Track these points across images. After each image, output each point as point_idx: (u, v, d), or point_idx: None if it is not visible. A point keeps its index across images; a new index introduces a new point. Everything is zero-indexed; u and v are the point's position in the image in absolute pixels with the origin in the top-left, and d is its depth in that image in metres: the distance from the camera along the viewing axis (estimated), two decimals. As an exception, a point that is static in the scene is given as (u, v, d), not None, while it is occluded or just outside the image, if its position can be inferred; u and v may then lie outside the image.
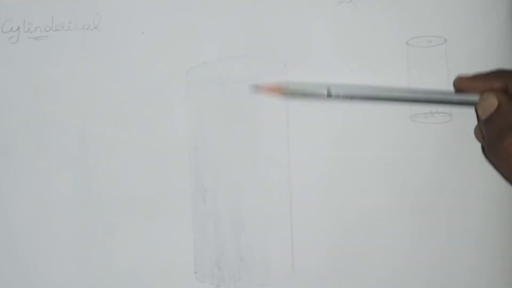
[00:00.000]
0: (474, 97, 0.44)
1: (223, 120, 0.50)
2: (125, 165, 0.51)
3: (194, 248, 0.50)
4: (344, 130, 0.50)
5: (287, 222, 0.50)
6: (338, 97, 0.44)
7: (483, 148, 0.48)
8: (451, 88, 0.49)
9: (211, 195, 0.50)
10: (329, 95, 0.44)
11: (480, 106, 0.42)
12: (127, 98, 0.51)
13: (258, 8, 0.50)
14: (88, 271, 0.51)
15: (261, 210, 0.50)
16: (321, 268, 0.50)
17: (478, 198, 0.50)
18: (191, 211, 0.50)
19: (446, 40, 0.50)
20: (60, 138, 0.51)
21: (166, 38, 0.51)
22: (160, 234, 0.50)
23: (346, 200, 0.50)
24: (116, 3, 0.51)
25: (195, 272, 0.50)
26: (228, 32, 0.50)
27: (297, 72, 0.50)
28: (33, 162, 0.51)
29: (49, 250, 0.51)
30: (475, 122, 0.49)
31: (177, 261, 0.50)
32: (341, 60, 0.50)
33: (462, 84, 0.44)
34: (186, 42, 0.50)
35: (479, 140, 0.47)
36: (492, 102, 0.41)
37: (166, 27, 0.51)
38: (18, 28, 0.51)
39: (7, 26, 0.51)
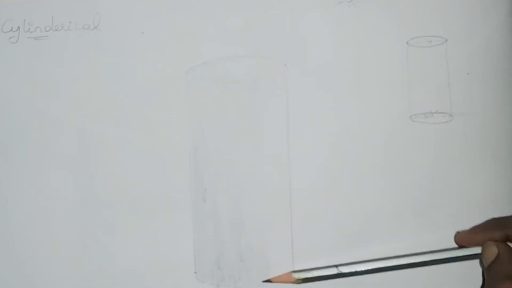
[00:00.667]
0: (477, 250, 0.45)
1: (223, 120, 0.50)
2: (125, 165, 0.51)
3: (194, 248, 0.50)
4: (344, 130, 0.50)
5: (287, 222, 0.50)
6: (349, 274, 0.45)
7: None
8: (451, 88, 0.49)
9: (211, 195, 0.50)
10: (339, 275, 0.44)
11: (483, 255, 0.43)
12: (127, 98, 0.51)
13: (258, 8, 0.50)
14: (88, 271, 0.51)
15: (261, 210, 0.50)
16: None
17: (478, 198, 0.50)
18: (191, 211, 0.50)
19: (446, 40, 0.50)
20: (60, 138, 0.51)
21: (166, 38, 0.51)
22: (160, 234, 0.50)
23: (346, 200, 0.50)
24: (116, 3, 0.51)
25: (195, 272, 0.50)
26: (228, 32, 0.50)
27: (297, 72, 0.50)
28: (33, 162, 0.51)
29: (49, 250, 0.51)
30: (476, 122, 0.49)
31: (177, 261, 0.50)
32: (341, 60, 0.50)
33: (463, 240, 0.45)
34: (186, 42, 0.50)
35: None
36: (492, 251, 0.43)
37: (166, 27, 0.51)
38: (18, 28, 0.51)
39: (7, 26, 0.51)
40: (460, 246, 0.45)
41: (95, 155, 0.51)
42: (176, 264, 0.50)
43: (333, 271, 0.44)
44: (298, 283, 0.44)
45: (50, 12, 0.51)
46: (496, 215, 0.50)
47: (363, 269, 0.45)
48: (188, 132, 0.50)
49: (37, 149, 0.51)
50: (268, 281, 0.45)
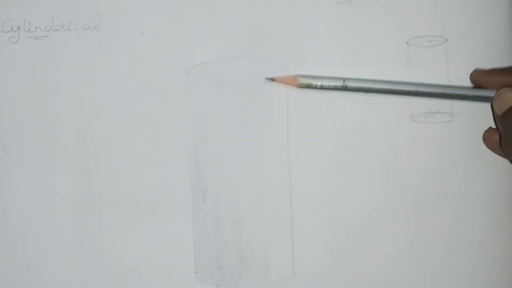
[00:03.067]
0: (490, 93, 0.43)
1: (223, 120, 0.50)
2: (125, 165, 0.51)
3: (194, 248, 0.50)
4: (344, 130, 0.50)
5: (287, 222, 0.50)
6: (354, 89, 0.44)
7: (500, 143, 0.47)
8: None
9: (211, 195, 0.50)
10: (344, 87, 0.43)
11: (496, 101, 0.41)
12: (127, 98, 0.51)
13: (258, 8, 0.50)
14: (88, 271, 0.51)
15: (261, 210, 0.50)
16: (322, 268, 0.50)
17: (478, 198, 0.50)
18: (191, 211, 0.50)
19: (446, 40, 0.50)
20: (60, 138, 0.51)
21: (166, 38, 0.51)
22: (160, 234, 0.50)
23: (346, 200, 0.50)
24: (116, 3, 0.51)
25: (195, 272, 0.50)
26: (228, 32, 0.50)
27: (297, 72, 0.50)
28: (33, 162, 0.51)
29: (49, 250, 0.51)
30: (476, 122, 0.49)
31: (177, 261, 0.50)
32: (341, 60, 0.50)
33: (479, 78, 0.43)
34: (186, 42, 0.50)
35: (487, 146, 0.46)
36: (508, 97, 0.40)
37: (166, 27, 0.51)
38: (18, 28, 0.51)
39: (7, 26, 0.51)
40: (475, 85, 0.43)
41: (95, 155, 0.51)
42: (176, 264, 0.50)
43: (339, 82, 0.43)
44: (301, 87, 0.43)
45: (50, 12, 0.51)
46: (496, 215, 0.50)
47: (369, 86, 0.44)
48: (188, 132, 0.50)
49: (37, 149, 0.51)
50: (272, 79, 0.44)
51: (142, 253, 0.51)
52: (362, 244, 0.50)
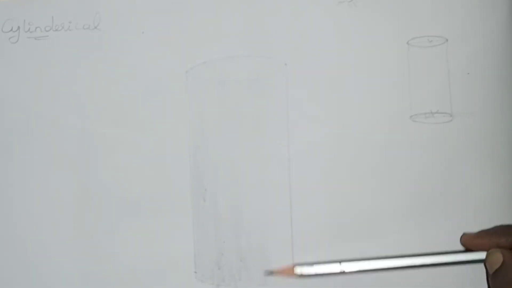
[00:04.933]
0: (481, 255, 0.45)
1: (223, 120, 0.50)
2: (125, 165, 0.51)
3: (194, 248, 0.50)
4: (344, 130, 0.50)
5: (287, 222, 0.50)
6: (352, 272, 0.44)
7: None
8: (452, 88, 0.49)
9: (211, 195, 0.50)
10: (342, 272, 0.44)
11: (487, 261, 0.43)
12: (127, 98, 0.51)
13: (258, 8, 0.50)
14: (88, 271, 0.51)
15: (261, 210, 0.50)
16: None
17: (478, 198, 0.50)
18: (191, 211, 0.50)
19: (447, 40, 0.50)
20: (60, 138, 0.51)
21: (166, 38, 0.51)
22: (160, 234, 0.50)
23: (346, 200, 0.50)
24: (116, 3, 0.51)
25: (195, 272, 0.50)
26: (228, 32, 0.50)
27: (297, 72, 0.50)
28: (33, 161, 0.51)
29: (49, 250, 0.51)
30: (476, 122, 0.49)
31: (177, 261, 0.50)
32: (342, 60, 0.50)
33: (469, 242, 0.45)
34: (186, 42, 0.50)
35: None
36: (497, 258, 0.43)
37: (166, 27, 0.51)
38: (18, 28, 0.51)
39: (7, 26, 0.51)
40: (465, 248, 0.44)
41: (95, 155, 0.51)
42: (176, 264, 0.50)
43: (336, 268, 0.44)
44: (300, 278, 0.43)
45: (50, 12, 0.51)
46: (496, 215, 0.50)
47: (366, 268, 0.45)
48: (188, 132, 0.50)
49: (37, 149, 0.51)
50: (270, 273, 0.45)
51: (142, 253, 0.51)
52: (362, 244, 0.50)
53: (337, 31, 0.50)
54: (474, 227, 0.50)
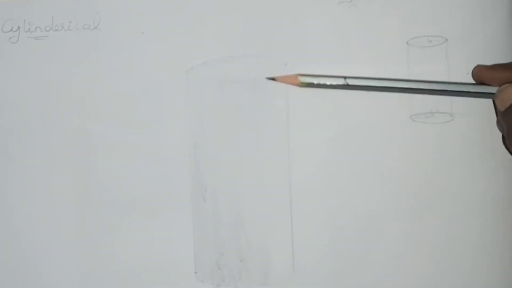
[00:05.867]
0: (492, 89, 0.43)
1: (223, 120, 0.50)
2: (125, 165, 0.51)
3: (194, 248, 0.50)
4: (344, 130, 0.50)
5: (287, 222, 0.50)
6: (356, 87, 0.43)
7: (503, 138, 0.47)
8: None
9: (211, 195, 0.50)
10: (346, 85, 0.43)
11: (498, 97, 0.41)
12: (127, 98, 0.51)
13: (258, 8, 0.50)
14: (89, 271, 0.51)
15: (261, 210, 0.50)
16: (322, 268, 0.50)
17: (478, 198, 0.50)
18: (191, 211, 0.50)
19: (446, 39, 0.50)
20: (60, 138, 0.51)
21: (166, 38, 0.51)
22: (160, 234, 0.50)
23: (346, 200, 0.50)
24: (116, 3, 0.51)
25: (195, 272, 0.50)
26: (228, 32, 0.50)
27: (297, 72, 0.50)
28: (33, 161, 0.51)
29: (49, 250, 0.51)
30: (476, 122, 0.49)
31: (177, 261, 0.50)
32: (342, 60, 0.50)
33: (481, 74, 0.43)
34: (186, 42, 0.50)
35: (501, 131, 0.46)
36: (510, 93, 0.40)
37: (166, 27, 0.51)
38: (18, 28, 0.51)
39: (7, 26, 0.51)
40: (477, 80, 0.43)
41: (95, 155, 0.51)
42: (176, 264, 0.50)
43: (341, 81, 0.42)
44: (302, 86, 0.42)
45: (50, 12, 0.51)
46: (496, 215, 0.50)
47: (371, 84, 0.43)
48: (188, 131, 0.50)
49: (37, 149, 0.51)
50: (273, 79, 0.44)
51: (142, 253, 0.51)
52: (362, 244, 0.50)
53: (337, 31, 0.50)
54: (474, 227, 0.50)
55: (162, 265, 0.50)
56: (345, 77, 0.43)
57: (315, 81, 0.43)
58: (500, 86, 0.41)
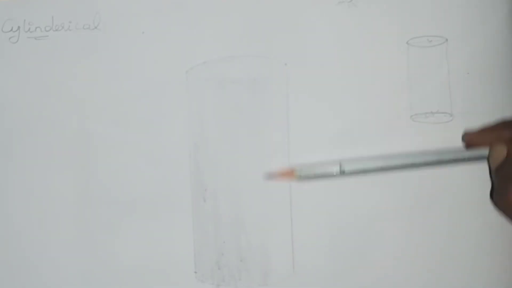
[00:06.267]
0: (484, 151, 0.44)
1: (223, 120, 0.50)
2: (125, 165, 0.51)
3: (194, 248, 0.50)
4: (344, 130, 0.50)
5: (287, 222, 0.50)
6: (351, 173, 0.44)
7: (491, 194, 0.48)
8: (452, 88, 0.49)
9: (211, 195, 0.50)
10: (342, 172, 0.44)
11: (491, 156, 0.42)
12: (127, 98, 0.51)
13: (258, 8, 0.50)
14: (88, 271, 0.51)
15: (261, 210, 0.50)
16: (322, 268, 0.50)
17: (478, 198, 0.50)
18: (191, 211, 0.50)
19: (446, 39, 0.50)
20: (60, 138, 0.51)
21: (166, 38, 0.51)
22: (160, 234, 0.50)
23: (346, 200, 0.50)
24: (116, 3, 0.51)
25: (195, 272, 0.50)
26: (228, 32, 0.50)
27: (297, 72, 0.50)
28: (33, 162, 0.51)
29: (49, 250, 0.51)
30: (476, 122, 0.49)
31: (177, 261, 0.50)
32: (342, 60, 0.50)
33: (471, 139, 0.45)
34: (186, 42, 0.50)
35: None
36: (501, 151, 0.42)
37: (166, 27, 0.51)
38: (18, 28, 0.51)
39: (7, 26, 0.51)
40: (468, 146, 0.43)
41: (95, 155, 0.51)
42: (176, 264, 0.50)
43: (336, 169, 0.43)
44: (299, 179, 0.43)
45: (50, 12, 0.51)
46: (496, 215, 0.49)
47: (366, 167, 0.44)
48: (188, 132, 0.50)
49: (37, 149, 0.51)
50: (270, 177, 0.44)
51: (142, 253, 0.51)
52: (362, 244, 0.50)
53: (337, 31, 0.50)
54: (474, 227, 0.50)
55: (162, 265, 0.50)
56: (340, 163, 0.43)
57: (312, 172, 0.43)
58: (490, 146, 0.43)
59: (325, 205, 0.50)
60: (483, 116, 0.49)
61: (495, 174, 0.42)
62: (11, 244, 0.51)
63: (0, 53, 0.51)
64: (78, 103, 0.51)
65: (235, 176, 0.50)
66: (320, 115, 0.50)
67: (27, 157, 0.51)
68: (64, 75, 0.51)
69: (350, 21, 0.50)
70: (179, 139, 0.50)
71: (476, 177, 0.50)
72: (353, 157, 0.45)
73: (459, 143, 0.50)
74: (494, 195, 0.44)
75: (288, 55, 0.50)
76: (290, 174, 0.43)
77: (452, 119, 0.50)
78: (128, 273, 0.51)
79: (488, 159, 0.42)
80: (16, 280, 0.51)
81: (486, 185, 0.50)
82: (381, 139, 0.50)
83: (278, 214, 0.50)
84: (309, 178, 0.42)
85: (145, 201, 0.50)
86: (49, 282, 0.51)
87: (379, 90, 0.50)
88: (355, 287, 0.50)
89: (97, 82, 0.51)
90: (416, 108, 0.50)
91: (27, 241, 0.51)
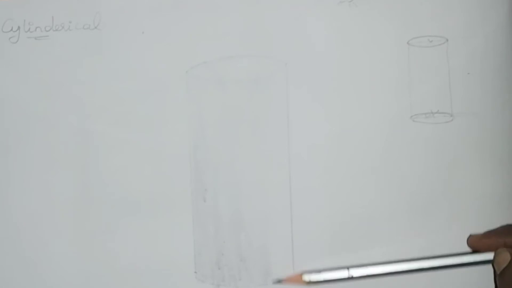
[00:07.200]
0: (489, 256, 0.45)
1: (223, 120, 0.50)
2: (125, 164, 0.51)
3: (194, 248, 0.50)
4: (344, 130, 0.50)
5: (287, 221, 0.50)
6: (360, 277, 0.44)
7: None
8: (452, 88, 0.49)
9: (211, 195, 0.50)
10: (350, 277, 0.44)
11: (495, 261, 0.43)
12: (127, 98, 0.51)
13: (258, 7, 0.50)
14: (88, 271, 0.51)
15: (261, 209, 0.50)
16: (321, 268, 0.50)
17: (478, 198, 0.50)
18: (191, 211, 0.50)
19: (447, 40, 0.50)
20: (60, 137, 0.51)
21: (166, 38, 0.51)
22: (160, 234, 0.50)
23: (346, 199, 0.50)
24: (116, 3, 0.51)
25: (195, 272, 0.51)
26: (228, 32, 0.50)
27: (298, 72, 0.50)
28: (33, 162, 0.51)
29: (49, 250, 0.51)
30: (476, 123, 0.49)
31: (177, 261, 0.50)
32: (342, 60, 0.50)
33: (476, 243, 0.45)
34: (186, 42, 0.51)
35: None
36: (505, 257, 0.43)
37: (166, 27, 0.51)
38: (18, 28, 0.51)
39: (7, 26, 0.51)
40: (472, 249, 0.44)
41: (95, 155, 0.51)
42: (176, 264, 0.50)
43: (344, 274, 0.43)
44: (309, 285, 0.43)
45: (50, 12, 0.51)
46: (496, 215, 0.50)
47: (374, 272, 0.45)
48: (188, 132, 0.50)
49: (37, 149, 0.51)
50: (279, 282, 0.45)
51: (142, 253, 0.51)
52: (362, 244, 0.50)
53: (337, 31, 0.50)
54: (475, 227, 0.50)
55: (162, 265, 0.50)
56: (348, 268, 0.44)
57: (321, 277, 0.43)
58: (495, 251, 0.44)
59: (325, 205, 0.50)
60: (483, 116, 0.49)
61: (499, 278, 0.43)
62: (11, 244, 0.51)
63: (0, 53, 0.51)
64: (78, 103, 0.51)
65: (235, 176, 0.50)
66: (320, 115, 0.50)
67: (27, 156, 0.51)
68: (64, 75, 0.51)
69: (351, 21, 0.50)
70: (179, 139, 0.50)
71: (477, 177, 0.50)
72: (361, 262, 0.46)
73: (459, 143, 0.50)
74: None
75: (288, 55, 0.50)
76: (298, 279, 0.44)
77: (452, 119, 0.50)
78: (128, 273, 0.51)
79: (492, 263, 0.43)
80: (16, 280, 0.51)
81: (486, 185, 0.50)
82: (381, 139, 0.50)
83: (278, 214, 0.50)
84: (318, 284, 0.43)
85: (145, 201, 0.50)
86: (49, 281, 0.51)
87: (379, 90, 0.50)
88: (355, 287, 0.50)
89: (97, 82, 0.51)
90: (416, 108, 0.50)
91: (26, 240, 0.51)
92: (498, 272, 0.43)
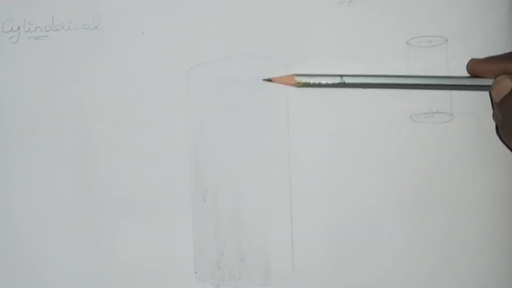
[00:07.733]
0: (488, 81, 0.43)
1: (223, 120, 0.50)
2: (125, 165, 0.51)
3: (194, 248, 0.50)
4: (344, 130, 0.50)
5: (288, 222, 0.50)
6: (352, 85, 0.43)
7: (497, 129, 0.47)
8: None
9: (211, 195, 0.50)
10: (342, 84, 0.43)
11: (494, 88, 0.41)
12: (127, 98, 0.51)
13: (258, 8, 0.50)
14: (88, 271, 0.51)
15: (261, 210, 0.50)
16: (322, 268, 0.50)
17: (478, 198, 0.50)
18: (191, 211, 0.50)
19: (446, 40, 0.50)
20: (60, 138, 0.51)
21: (166, 38, 0.51)
22: (160, 234, 0.50)
23: (346, 200, 0.50)
24: (116, 2, 0.51)
25: (195, 272, 0.51)
26: (228, 32, 0.50)
27: (297, 72, 0.50)
28: (33, 162, 0.51)
29: (49, 250, 0.51)
30: (476, 122, 0.49)
31: (177, 261, 0.50)
32: (342, 60, 0.50)
33: (476, 67, 0.43)
34: (186, 42, 0.50)
35: (496, 122, 0.46)
36: (506, 84, 0.41)
37: (166, 27, 0.51)
38: (18, 28, 0.51)
39: (7, 26, 0.51)
40: (472, 75, 0.43)
41: (95, 155, 0.51)
42: (176, 264, 0.50)
43: (337, 79, 0.43)
44: (299, 86, 0.42)
45: (50, 12, 0.51)
46: (496, 215, 0.50)
47: (367, 81, 0.44)
48: (188, 132, 0.50)
49: (37, 149, 0.51)
50: (269, 80, 0.44)
51: (142, 253, 0.51)
52: (362, 244, 0.50)
53: (337, 31, 0.50)
54: (474, 227, 0.50)
55: (162, 265, 0.50)
56: (341, 76, 0.43)
57: (312, 80, 0.43)
58: (495, 77, 0.41)
59: (325, 205, 0.50)
60: (483, 116, 0.49)
61: (499, 106, 0.41)
62: (11, 244, 0.51)
63: (0, 53, 0.51)
64: (78, 103, 0.51)
65: (235, 176, 0.50)
66: (320, 115, 0.50)
67: (27, 157, 0.51)
68: (64, 75, 0.51)
69: (350, 21, 0.50)
70: (179, 139, 0.50)
71: (477, 177, 0.50)
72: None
73: (459, 143, 0.50)
74: (501, 128, 0.43)
75: (288, 55, 0.50)
76: (289, 79, 0.43)
77: (452, 119, 0.50)
78: (128, 273, 0.51)
79: (490, 90, 0.41)
80: (16, 280, 0.51)
81: (486, 185, 0.50)
82: (381, 139, 0.50)
83: (278, 214, 0.50)
84: (308, 86, 0.42)
85: (145, 201, 0.50)
86: (49, 282, 0.51)
87: (379, 90, 0.50)
88: (355, 287, 0.50)
89: (97, 82, 0.51)
90: (416, 108, 0.50)
91: (26, 240, 0.51)
92: (497, 100, 0.41)
